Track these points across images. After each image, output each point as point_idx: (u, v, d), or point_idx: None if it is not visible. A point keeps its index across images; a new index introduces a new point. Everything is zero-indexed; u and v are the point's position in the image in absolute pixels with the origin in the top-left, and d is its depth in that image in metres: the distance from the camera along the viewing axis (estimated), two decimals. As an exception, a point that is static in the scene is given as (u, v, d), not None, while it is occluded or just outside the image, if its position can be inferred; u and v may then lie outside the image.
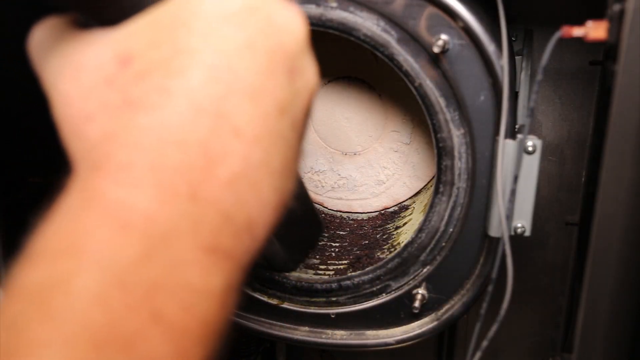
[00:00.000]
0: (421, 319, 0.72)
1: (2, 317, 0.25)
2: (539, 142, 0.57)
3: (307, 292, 0.75)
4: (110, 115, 0.28)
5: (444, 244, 0.68)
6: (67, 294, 0.24)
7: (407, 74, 0.61)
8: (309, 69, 0.33)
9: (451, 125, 0.62)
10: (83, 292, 0.24)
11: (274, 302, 0.76)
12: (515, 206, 0.59)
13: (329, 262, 0.80)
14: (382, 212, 0.90)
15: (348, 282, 0.73)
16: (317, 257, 0.81)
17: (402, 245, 0.71)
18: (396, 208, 0.90)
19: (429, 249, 0.69)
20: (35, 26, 0.33)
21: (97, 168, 0.27)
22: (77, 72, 0.30)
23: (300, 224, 0.71)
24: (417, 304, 0.69)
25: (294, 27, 0.32)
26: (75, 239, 0.25)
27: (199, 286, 0.27)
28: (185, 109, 0.27)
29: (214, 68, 0.28)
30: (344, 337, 0.75)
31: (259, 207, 0.29)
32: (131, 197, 0.26)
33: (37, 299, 0.25)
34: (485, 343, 0.60)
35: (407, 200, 0.90)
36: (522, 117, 0.67)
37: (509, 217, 0.59)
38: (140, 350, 0.25)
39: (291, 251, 0.72)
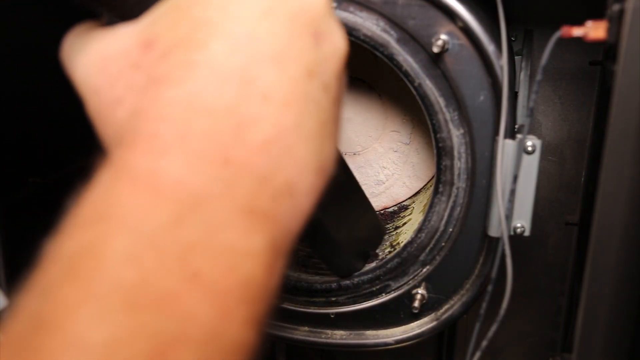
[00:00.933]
0: (421, 319, 0.72)
1: (35, 288, 0.25)
2: (538, 142, 0.57)
3: (307, 292, 0.75)
4: (137, 94, 0.29)
5: (443, 244, 0.68)
6: (97, 257, 0.25)
7: (406, 73, 0.61)
8: (335, 33, 0.33)
9: (451, 125, 0.62)
10: (113, 254, 0.24)
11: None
12: (515, 206, 0.59)
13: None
14: (382, 212, 0.90)
15: (347, 282, 0.73)
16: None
17: (402, 245, 0.71)
18: (396, 208, 0.90)
19: (428, 248, 0.69)
20: (67, 34, 0.34)
21: (125, 143, 0.27)
22: (104, 63, 0.31)
23: (360, 227, 0.72)
24: (416, 304, 0.69)
25: None
26: (105, 207, 0.26)
27: (239, 246, 0.26)
28: (210, 78, 0.27)
29: (235, 36, 0.28)
30: (344, 337, 0.75)
31: (297, 170, 0.29)
32: (159, 164, 0.26)
33: (67, 265, 0.25)
34: (485, 343, 0.60)
35: (406, 200, 0.90)
36: (521, 117, 0.67)
37: (509, 217, 0.59)
38: (177, 309, 0.25)
39: (353, 254, 0.72)
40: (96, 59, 0.31)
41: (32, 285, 0.25)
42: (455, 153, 0.63)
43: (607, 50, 0.53)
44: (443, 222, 0.67)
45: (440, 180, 0.65)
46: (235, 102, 0.27)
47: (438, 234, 0.68)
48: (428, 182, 0.88)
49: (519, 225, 0.60)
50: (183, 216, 0.25)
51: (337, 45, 0.33)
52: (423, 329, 0.71)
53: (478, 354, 0.61)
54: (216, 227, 0.26)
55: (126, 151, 0.27)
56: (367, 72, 0.85)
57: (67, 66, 0.33)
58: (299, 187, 0.29)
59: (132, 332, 0.23)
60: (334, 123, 0.33)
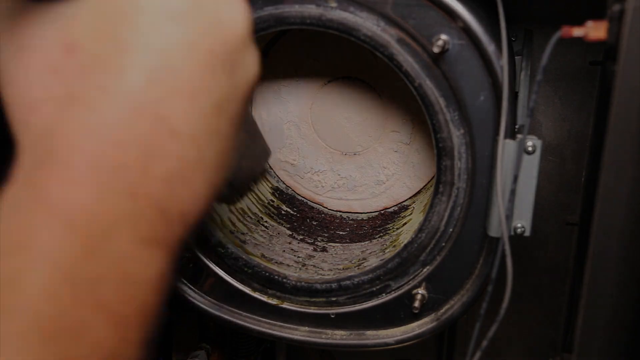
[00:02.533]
0: (421, 319, 0.72)
1: None
2: (538, 142, 0.57)
3: (307, 292, 0.75)
4: (54, 108, 0.29)
5: (443, 244, 0.68)
6: (18, 290, 0.26)
7: (407, 74, 0.61)
8: (250, 60, 0.34)
9: (451, 125, 0.62)
10: (33, 288, 0.26)
11: (274, 302, 0.76)
12: (515, 206, 0.59)
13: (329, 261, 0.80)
14: (382, 212, 0.90)
15: (348, 282, 0.73)
16: (318, 257, 0.81)
17: (402, 245, 0.70)
18: (396, 208, 0.90)
19: (428, 249, 0.69)
20: None
21: (40, 165, 0.28)
22: (24, 53, 0.30)
23: (244, 155, 0.67)
24: (417, 304, 0.69)
25: (237, 23, 0.32)
26: (23, 236, 0.27)
27: (138, 277, 0.29)
28: (124, 109, 0.28)
29: (154, 69, 0.29)
30: (344, 337, 0.75)
31: (192, 200, 0.31)
32: (74, 195, 0.27)
33: None
34: (485, 343, 0.60)
35: (407, 200, 0.90)
36: (522, 117, 0.67)
37: (509, 217, 0.59)
38: (86, 338, 0.27)
39: (236, 181, 0.68)
40: (15, 43, 0.30)
41: None
42: (456, 153, 0.63)
43: (607, 50, 0.53)
44: (443, 222, 0.67)
45: (440, 180, 0.65)
46: (146, 137, 0.28)
47: (438, 234, 0.67)
48: (428, 182, 0.88)
49: (519, 225, 0.60)
50: (93, 249, 0.27)
51: (249, 72, 0.34)
52: (423, 329, 0.71)
53: (478, 354, 0.61)
54: (121, 259, 0.28)
55: (40, 175, 0.28)
56: (367, 72, 0.85)
57: None
58: (191, 213, 0.31)
59: None
60: (231, 146, 0.34)
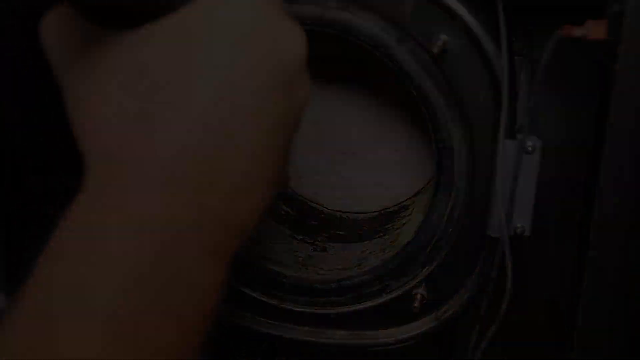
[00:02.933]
0: (421, 319, 0.72)
1: (35, 308, 0.28)
2: (539, 142, 0.58)
3: (307, 292, 0.75)
4: (126, 124, 0.31)
5: (443, 244, 0.68)
6: (91, 291, 0.28)
7: (406, 74, 0.61)
8: (305, 85, 0.36)
9: (451, 125, 0.62)
10: (106, 290, 0.28)
11: (274, 302, 0.76)
12: (515, 206, 0.59)
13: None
14: (382, 212, 0.90)
15: (348, 282, 0.73)
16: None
17: (402, 245, 0.71)
18: (396, 208, 0.90)
19: (428, 249, 0.69)
20: (47, 14, 0.34)
21: (115, 177, 0.30)
22: (95, 73, 0.32)
23: None
24: (416, 304, 0.69)
25: (296, 48, 0.34)
26: (97, 240, 0.29)
27: (200, 285, 0.31)
28: (193, 126, 0.30)
29: (220, 89, 0.31)
30: (344, 337, 0.75)
31: (251, 213, 0.33)
32: (146, 204, 0.29)
33: (69, 295, 0.28)
34: (485, 343, 0.60)
35: (406, 200, 0.90)
36: (522, 117, 0.67)
37: (509, 217, 0.59)
38: (154, 342, 0.29)
39: None
40: (86, 66, 0.32)
41: (26, 307, 0.28)
42: (456, 153, 0.63)
43: (607, 50, 0.53)
44: (443, 222, 0.67)
45: (440, 180, 0.65)
46: (214, 152, 0.30)
47: (438, 234, 0.68)
48: (428, 182, 0.88)
49: (519, 225, 0.60)
50: (162, 256, 0.29)
51: (304, 96, 0.36)
52: (423, 329, 0.71)
53: (478, 354, 0.62)
54: (186, 268, 0.30)
55: (115, 186, 0.29)
56: (367, 72, 0.85)
57: (49, 53, 0.34)
58: (249, 226, 0.33)
59: None
60: (286, 165, 0.36)
